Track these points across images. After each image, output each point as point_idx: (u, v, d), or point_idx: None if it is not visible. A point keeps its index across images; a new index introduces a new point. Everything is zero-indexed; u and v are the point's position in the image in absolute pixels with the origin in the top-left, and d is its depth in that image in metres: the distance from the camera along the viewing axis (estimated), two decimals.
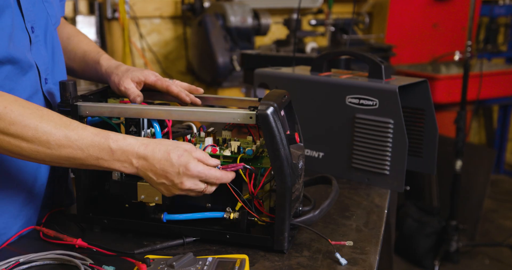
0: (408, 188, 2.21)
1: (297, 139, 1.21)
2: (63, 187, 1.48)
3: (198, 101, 1.37)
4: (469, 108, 3.87)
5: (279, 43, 3.72)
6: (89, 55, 1.50)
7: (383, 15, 4.69)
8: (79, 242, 1.21)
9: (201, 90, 1.39)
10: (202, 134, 1.33)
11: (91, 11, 3.79)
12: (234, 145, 1.24)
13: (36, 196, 1.35)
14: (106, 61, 1.45)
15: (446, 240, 3.49)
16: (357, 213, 1.45)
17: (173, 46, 4.19)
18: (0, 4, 1.14)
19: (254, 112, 1.15)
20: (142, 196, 1.25)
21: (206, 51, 3.38)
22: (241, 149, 1.24)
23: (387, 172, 1.61)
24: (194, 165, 1.09)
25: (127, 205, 1.31)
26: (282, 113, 1.26)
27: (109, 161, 1.09)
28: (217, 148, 1.25)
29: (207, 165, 1.13)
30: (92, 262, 1.14)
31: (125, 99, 1.37)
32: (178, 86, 1.36)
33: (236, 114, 1.17)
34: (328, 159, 1.75)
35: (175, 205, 1.30)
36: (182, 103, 1.36)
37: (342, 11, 4.58)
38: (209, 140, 1.26)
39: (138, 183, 1.24)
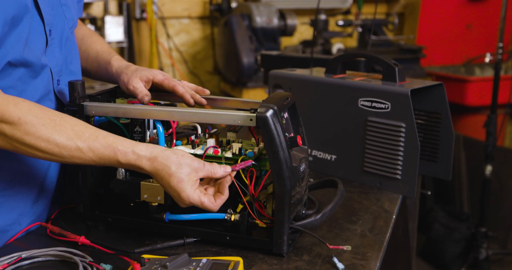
0: (429, 193, 2.19)
1: (299, 142, 1.20)
2: (74, 184, 1.50)
3: (204, 101, 1.37)
4: (501, 111, 3.79)
5: (305, 43, 3.71)
6: (101, 56, 1.52)
7: (414, 16, 4.63)
8: (82, 239, 1.24)
9: (207, 92, 1.39)
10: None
11: (120, 12, 3.85)
12: (236, 146, 1.24)
13: (46, 193, 1.37)
14: (117, 61, 1.48)
15: (475, 247, 3.40)
16: (364, 218, 1.43)
17: (201, 46, 4.21)
18: (18, 12, 1.18)
19: (254, 114, 1.14)
20: (145, 196, 1.25)
21: (232, 51, 3.39)
22: (242, 151, 1.23)
23: (399, 177, 1.59)
24: (186, 196, 1.10)
25: (132, 204, 1.32)
26: (286, 115, 1.25)
27: (123, 167, 1.16)
28: (219, 150, 1.25)
29: (216, 178, 1.15)
30: (91, 259, 1.15)
31: (133, 100, 1.38)
32: (185, 87, 1.37)
33: (236, 116, 1.17)
34: (341, 162, 1.73)
35: (177, 205, 1.30)
36: (187, 104, 1.36)
37: (372, 12, 4.54)
38: (211, 142, 1.27)
39: (141, 182, 1.25)
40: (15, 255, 1.16)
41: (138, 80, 1.37)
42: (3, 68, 1.18)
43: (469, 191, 3.80)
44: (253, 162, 1.19)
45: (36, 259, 1.18)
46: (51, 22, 1.31)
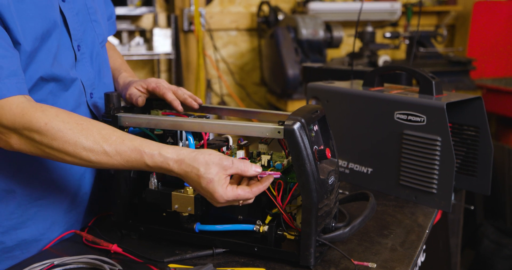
0: (472, 207, 2.14)
1: (328, 154, 1.20)
2: (110, 192, 1.53)
3: (195, 105, 1.40)
4: None
5: (352, 55, 3.69)
6: (113, 73, 1.58)
7: (465, 28, 4.55)
8: (114, 247, 1.27)
9: (200, 101, 1.42)
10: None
11: (168, 24, 3.93)
12: (264, 158, 1.25)
13: (79, 203, 1.42)
14: (122, 79, 1.54)
15: None
16: (396, 232, 1.42)
17: (248, 57, 4.25)
18: (48, 28, 1.23)
19: (282, 127, 1.15)
20: (176, 206, 1.28)
21: (277, 63, 3.41)
22: (271, 163, 1.24)
23: (435, 191, 1.57)
24: (220, 195, 1.11)
25: (164, 214, 1.35)
26: (316, 128, 1.26)
27: (151, 170, 1.16)
28: (248, 161, 1.26)
29: (247, 175, 1.14)
30: (121, 268, 1.18)
31: (167, 111, 1.42)
32: (183, 93, 1.40)
33: (264, 129, 1.18)
34: (377, 175, 1.72)
35: (208, 216, 1.32)
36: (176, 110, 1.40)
37: (422, 24, 4.48)
38: (240, 153, 1.28)
39: (172, 193, 1.27)
40: (48, 262, 1.21)
41: (132, 88, 1.42)
42: (35, 83, 1.23)
43: None
44: (281, 175, 1.19)
45: (67, 266, 1.22)
46: (80, 38, 1.35)
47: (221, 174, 1.11)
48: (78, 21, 1.35)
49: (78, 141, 1.12)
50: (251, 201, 1.16)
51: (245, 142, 1.32)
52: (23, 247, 1.32)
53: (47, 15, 1.22)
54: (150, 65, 4.05)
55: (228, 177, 1.13)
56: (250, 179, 1.17)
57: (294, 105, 3.48)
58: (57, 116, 1.14)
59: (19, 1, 1.17)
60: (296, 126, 1.14)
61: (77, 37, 1.34)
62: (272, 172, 1.17)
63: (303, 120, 1.15)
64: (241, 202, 1.15)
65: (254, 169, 1.14)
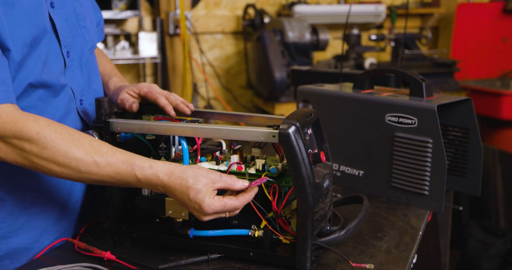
0: (461, 208, 2.16)
1: (323, 158, 1.20)
2: (101, 199, 1.52)
3: (187, 111, 1.40)
4: None
5: (338, 58, 3.71)
6: (103, 78, 1.57)
7: (449, 30, 4.59)
8: (107, 254, 1.25)
9: (192, 107, 1.41)
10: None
11: (154, 28, 3.91)
12: (259, 163, 1.24)
13: (70, 212, 1.40)
14: (113, 84, 1.53)
15: (511, 263, 3.35)
16: (390, 234, 1.42)
17: (234, 61, 4.25)
18: (37, 34, 1.21)
19: (277, 131, 1.15)
20: (170, 212, 1.27)
21: (264, 66, 3.41)
22: (266, 167, 1.24)
23: (426, 193, 1.57)
24: (207, 205, 1.11)
25: (157, 220, 1.33)
26: (310, 131, 1.26)
27: (138, 185, 1.15)
28: (243, 166, 1.26)
29: (235, 189, 1.15)
30: None
31: (159, 116, 1.41)
32: (171, 98, 1.39)
33: (259, 133, 1.18)
34: (368, 177, 1.72)
35: (202, 221, 1.31)
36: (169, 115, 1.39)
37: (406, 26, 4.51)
38: (235, 158, 1.28)
39: (166, 198, 1.26)
40: None
41: (124, 93, 1.41)
42: (24, 89, 1.22)
43: (505, 206, 3.72)
44: (268, 179, 1.19)
45: None
46: (69, 44, 1.34)
47: (209, 186, 1.12)
48: (68, 27, 1.33)
49: (69, 151, 1.11)
50: (237, 212, 1.17)
51: (238, 146, 1.31)
52: (13, 256, 1.30)
53: (36, 21, 1.21)
54: (135, 69, 4.03)
55: (216, 191, 1.13)
56: (237, 193, 1.17)
57: (282, 108, 3.48)
58: (49, 125, 1.13)
59: (8, 7, 1.15)
60: (291, 130, 1.13)
61: (66, 44, 1.33)
62: (258, 180, 1.18)
63: (298, 124, 1.15)
64: (227, 214, 1.15)
65: (241, 183, 1.15)
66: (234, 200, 1.13)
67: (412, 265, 1.52)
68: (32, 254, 1.32)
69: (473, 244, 3.52)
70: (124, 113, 1.40)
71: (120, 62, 3.77)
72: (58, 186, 1.33)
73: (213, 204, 1.11)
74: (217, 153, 1.34)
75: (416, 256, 1.58)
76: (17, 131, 1.10)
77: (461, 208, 1.98)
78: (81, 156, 1.12)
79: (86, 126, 1.40)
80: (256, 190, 1.17)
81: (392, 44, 3.90)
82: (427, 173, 1.56)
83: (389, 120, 1.63)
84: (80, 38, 1.39)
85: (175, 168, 1.13)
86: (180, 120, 1.38)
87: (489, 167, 3.69)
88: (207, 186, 1.11)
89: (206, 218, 1.14)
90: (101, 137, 1.29)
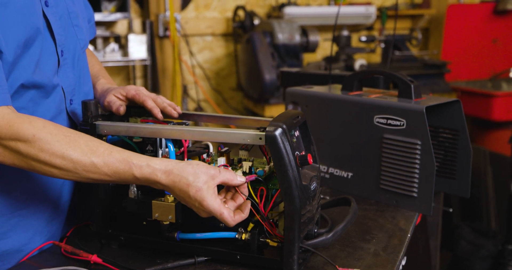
0: (451, 210, 2.16)
1: (310, 160, 1.20)
2: (88, 202, 1.51)
3: (175, 114, 1.38)
4: None
5: (328, 60, 3.71)
6: (91, 79, 1.55)
7: (439, 31, 4.60)
8: (94, 258, 1.24)
9: (179, 110, 1.40)
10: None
11: (143, 30, 3.90)
12: (246, 165, 1.24)
13: (60, 211, 1.39)
14: (100, 86, 1.52)
15: (502, 265, 3.34)
16: (378, 236, 1.41)
17: (224, 63, 4.24)
18: (30, 35, 1.20)
19: (263, 133, 1.14)
20: (157, 215, 1.26)
21: (254, 68, 3.40)
22: (253, 169, 1.23)
23: (415, 195, 1.57)
24: (207, 203, 1.10)
25: (144, 223, 1.33)
26: (297, 133, 1.25)
27: (137, 183, 1.15)
28: (230, 168, 1.25)
29: (233, 185, 1.15)
30: None
31: (146, 118, 1.40)
32: (157, 101, 1.38)
33: (246, 135, 1.17)
34: (357, 179, 1.72)
35: (189, 224, 1.30)
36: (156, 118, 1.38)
37: (396, 27, 4.51)
38: (221, 160, 1.27)
39: (153, 201, 1.25)
40: None
41: (111, 95, 1.40)
42: (15, 90, 1.21)
43: (496, 207, 3.73)
44: (257, 176, 1.19)
45: None
46: (63, 43, 1.33)
47: (210, 183, 1.11)
48: (61, 26, 1.33)
49: (66, 153, 1.11)
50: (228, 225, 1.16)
51: (225, 148, 1.31)
52: (4, 258, 1.29)
53: (29, 22, 1.20)
54: (125, 72, 4.02)
55: (216, 188, 1.13)
56: (235, 190, 1.18)
57: (272, 110, 3.48)
58: (45, 127, 1.12)
59: (2, 7, 1.14)
60: (278, 132, 1.13)
61: (60, 43, 1.32)
62: (248, 176, 1.18)
63: (284, 126, 1.14)
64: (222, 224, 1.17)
65: (239, 179, 1.15)
66: (230, 217, 1.12)
67: (401, 267, 1.52)
68: (23, 255, 1.31)
69: (463, 246, 3.52)
70: (111, 115, 1.39)
71: (110, 64, 3.76)
72: (50, 186, 1.33)
73: (212, 205, 1.10)
74: (204, 156, 1.34)
75: (405, 258, 1.58)
76: (13, 134, 1.10)
77: (451, 210, 1.97)
78: (78, 157, 1.11)
79: (75, 127, 1.38)
80: (249, 207, 1.17)
81: (382, 45, 3.90)
82: (416, 175, 1.56)
83: (377, 122, 1.62)
84: (73, 36, 1.39)
85: (173, 166, 1.12)
86: (167, 123, 1.37)
87: (480, 168, 3.69)
88: (207, 184, 1.10)
89: (206, 215, 1.14)
90: None
